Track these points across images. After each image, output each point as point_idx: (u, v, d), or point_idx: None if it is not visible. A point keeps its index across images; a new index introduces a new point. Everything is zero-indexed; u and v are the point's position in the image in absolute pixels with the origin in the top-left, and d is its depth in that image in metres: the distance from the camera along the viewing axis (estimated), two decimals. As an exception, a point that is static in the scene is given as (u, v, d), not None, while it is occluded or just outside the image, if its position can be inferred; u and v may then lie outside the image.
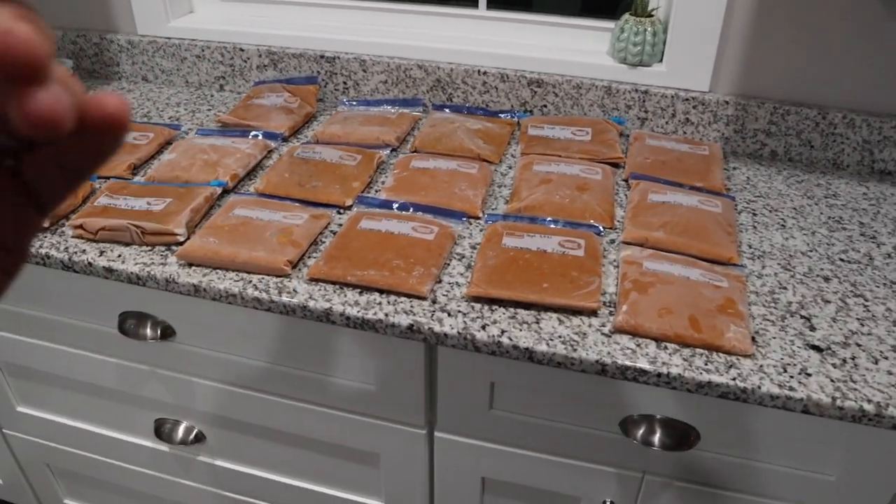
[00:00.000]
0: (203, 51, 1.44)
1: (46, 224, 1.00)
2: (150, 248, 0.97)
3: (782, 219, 1.06)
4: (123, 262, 0.94)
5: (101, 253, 0.96)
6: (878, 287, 0.92)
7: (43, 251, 0.97)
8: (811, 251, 0.99)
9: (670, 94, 1.22)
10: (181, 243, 0.97)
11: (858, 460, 0.82)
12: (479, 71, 1.29)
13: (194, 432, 1.14)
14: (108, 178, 1.13)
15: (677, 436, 0.87)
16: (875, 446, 0.80)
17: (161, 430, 1.15)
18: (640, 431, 0.87)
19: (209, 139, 1.19)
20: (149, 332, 1.02)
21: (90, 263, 0.95)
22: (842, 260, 0.98)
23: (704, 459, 0.87)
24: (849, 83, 1.17)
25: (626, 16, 1.21)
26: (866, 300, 0.90)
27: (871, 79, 1.16)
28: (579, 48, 1.30)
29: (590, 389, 0.85)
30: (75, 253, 0.96)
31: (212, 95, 1.45)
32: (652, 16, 1.20)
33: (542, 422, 0.91)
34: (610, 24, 1.28)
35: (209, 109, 1.39)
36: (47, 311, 1.09)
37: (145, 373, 1.09)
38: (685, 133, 1.25)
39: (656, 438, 0.87)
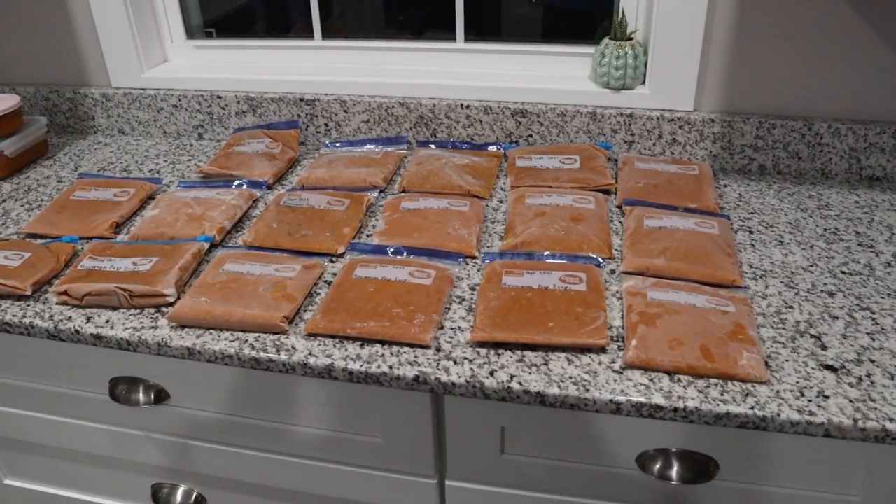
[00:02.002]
0: (180, 100, 1.42)
1: (29, 292, 0.96)
2: (139, 311, 0.94)
3: (779, 234, 1.05)
4: (112, 328, 0.91)
5: (88, 319, 0.93)
6: (882, 298, 0.91)
7: (27, 320, 0.93)
8: (812, 266, 0.98)
9: (655, 115, 1.21)
10: (171, 304, 0.94)
11: (882, 480, 0.80)
12: (461, 105, 1.28)
13: (194, 495, 1.10)
14: (90, 238, 1.10)
15: (696, 468, 0.84)
16: (898, 465, 0.78)
17: (158, 496, 1.11)
18: (658, 466, 0.85)
19: (192, 192, 1.17)
20: (141, 396, 0.99)
21: (77, 331, 0.92)
22: (843, 273, 0.96)
23: (725, 489, 0.85)
24: (831, 93, 1.17)
25: (606, 40, 1.21)
26: (873, 313, 0.89)
27: (852, 87, 1.16)
28: (560, 75, 1.29)
29: (603, 427, 0.83)
30: (61, 321, 0.93)
31: (191, 145, 1.43)
32: (631, 39, 1.20)
33: (556, 463, 0.88)
34: (590, 50, 1.28)
35: (189, 160, 1.36)
36: (33, 380, 1.05)
37: (139, 438, 1.05)
38: (673, 154, 1.25)
39: (674, 472, 0.85)
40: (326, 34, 1.42)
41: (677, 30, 1.15)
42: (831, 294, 0.92)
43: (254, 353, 0.85)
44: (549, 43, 1.33)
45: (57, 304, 0.96)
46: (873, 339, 0.84)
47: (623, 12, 1.22)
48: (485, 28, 1.43)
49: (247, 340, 0.87)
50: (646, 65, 1.21)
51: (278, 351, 0.85)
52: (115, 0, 1.36)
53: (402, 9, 1.61)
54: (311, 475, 0.99)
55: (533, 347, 0.83)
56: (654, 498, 0.89)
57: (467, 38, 1.35)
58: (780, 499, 0.84)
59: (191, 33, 1.50)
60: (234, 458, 1.02)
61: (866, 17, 1.11)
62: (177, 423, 1.01)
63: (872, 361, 0.81)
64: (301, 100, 1.35)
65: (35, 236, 1.11)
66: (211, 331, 0.89)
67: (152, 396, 0.98)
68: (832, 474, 0.82)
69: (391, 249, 0.97)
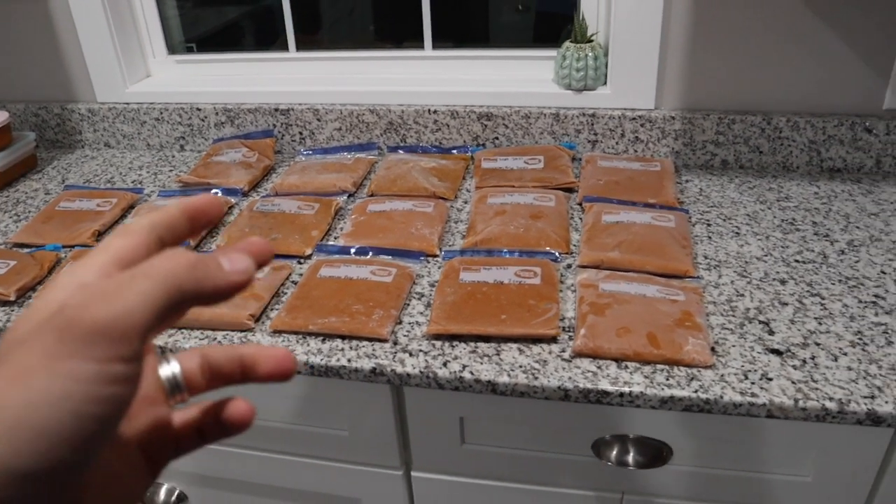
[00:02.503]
0: (162, 113, 1.46)
1: (13, 298, 1.00)
2: (114, 315, 0.97)
3: (736, 226, 1.08)
4: (89, 332, 0.94)
5: (67, 325, 0.96)
6: (833, 284, 0.94)
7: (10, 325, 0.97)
8: (766, 255, 1.01)
9: (617, 114, 1.25)
10: (145, 308, 0.97)
11: (832, 459, 0.82)
12: (429, 110, 1.32)
13: (176, 493, 1.13)
14: (72, 246, 1.14)
15: (650, 453, 0.87)
16: (845, 443, 0.80)
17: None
18: (614, 452, 0.88)
19: (170, 200, 1.20)
20: (122, 398, 1.02)
21: (56, 336, 0.95)
22: (797, 261, 0.99)
23: (681, 474, 0.88)
24: (789, 87, 1.20)
25: (567, 43, 1.24)
26: (823, 298, 0.91)
27: (808, 81, 1.19)
28: (525, 78, 1.33)
29: (558, 415, 0.86)
30: (41, 327, 0.96)
31: (173, 156, 1.47)
32: (592, 41, 1.23)
33: (515, 452, 0.91)
34: (553, 53, 1.31)
35: (171, 170, 1.40)
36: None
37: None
38: (636, 151, 1.28)
39: (630, 458, 0.88)
40: (316, 46, 1.46)
41: (635, 31, 1.18)
42: (783, 282, 0.95)
43: (221, 352, 0.89)
44: (513, 48, 1.36)
45: (37, 310, 1.00)
46: (820, 324, 0.87)
47: (583, 15, 1.25)
48: (473, 36, 1.47)
49: (215, 339, 0.91)
50: (606, 66, 1.25)
51: (244, 348, 0.88)
52: (98, 19, 1.40)
53: (390, 20, 1.65)
54: (281, 469, 1.03)
55: (486, 339, 0.86)
56: (610, 484, 0.91)
57: (448, 47, 1.39)
58: (733, 481, 0.87)
59: (172, 49, 1.54)
60: (210, 455, 1.05)
61: (818, 11, 1.14)
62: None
63: (818, 344, 0.84)
64: (276, 110, 1.39)
65: (21, 245, 1.16)
66: (182, 329, 0.93)
67: (131, 398, 1.02)
68: (783, 455, 0.84)
69: (354, 250, 1.01)
